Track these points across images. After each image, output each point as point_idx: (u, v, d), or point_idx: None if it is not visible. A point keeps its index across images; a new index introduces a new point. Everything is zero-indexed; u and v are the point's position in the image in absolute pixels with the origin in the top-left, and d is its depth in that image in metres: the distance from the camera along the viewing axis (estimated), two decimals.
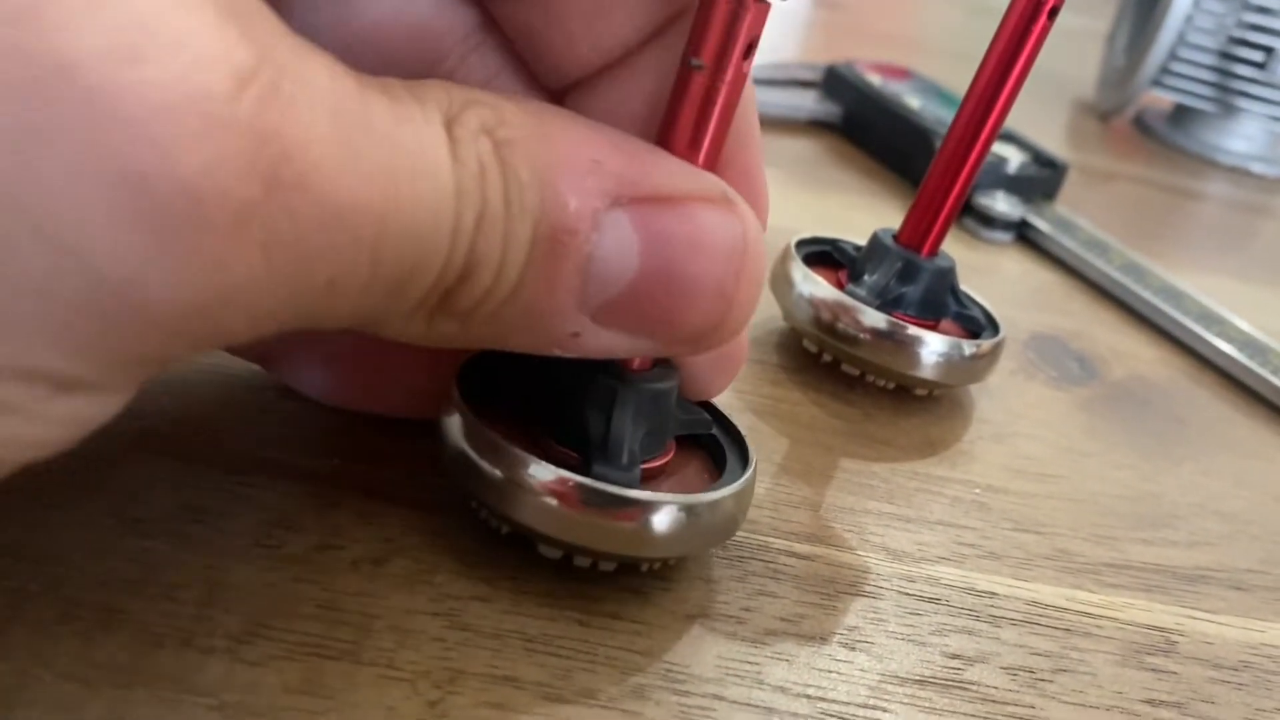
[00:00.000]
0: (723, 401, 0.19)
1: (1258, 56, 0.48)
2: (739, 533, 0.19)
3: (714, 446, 0.19)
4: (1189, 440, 0.26)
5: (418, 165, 0.12)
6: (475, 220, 0.12)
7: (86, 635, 0.14)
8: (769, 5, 0.14)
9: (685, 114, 0.15)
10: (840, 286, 0.24)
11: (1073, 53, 0.57)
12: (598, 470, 0.16)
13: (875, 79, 0.40)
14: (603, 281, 0.13)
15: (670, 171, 0.14)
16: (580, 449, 0.16)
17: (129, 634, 0.14)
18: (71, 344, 0.10)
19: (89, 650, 0.14)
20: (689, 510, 0.16)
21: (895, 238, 0.24)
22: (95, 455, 0.17)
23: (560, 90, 0.17)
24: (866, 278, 0.24)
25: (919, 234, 0.24)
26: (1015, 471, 0.23)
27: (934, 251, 0.24)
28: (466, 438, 0.16)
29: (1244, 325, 0.31)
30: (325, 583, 0.16)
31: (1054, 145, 0.48)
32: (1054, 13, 0.22)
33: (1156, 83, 0.50)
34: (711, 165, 0.15)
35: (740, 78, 0.15)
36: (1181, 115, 0.52)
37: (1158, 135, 0.52)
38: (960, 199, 0.24)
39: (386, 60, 0.16)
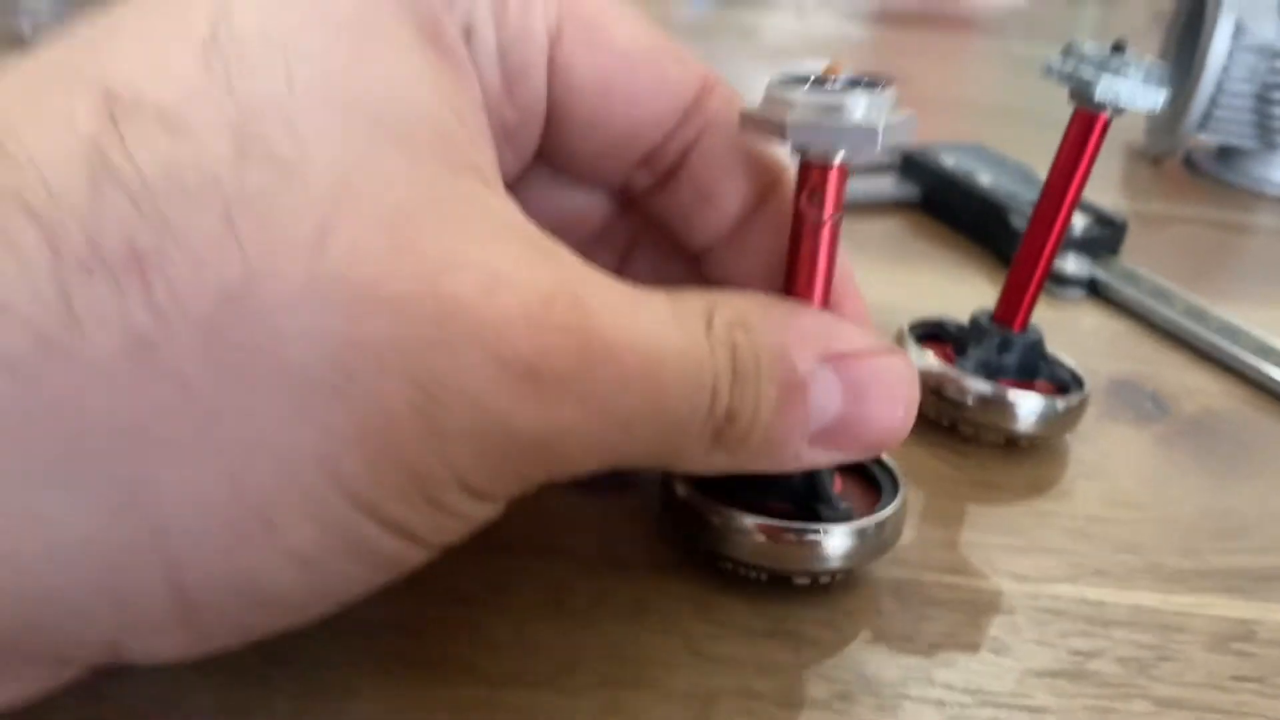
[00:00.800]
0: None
1: None
2: (899, 571, 0.24)
3: (868, 473, 0.25)
4: (1254, 461, 0.31)
5: (684, 344, 0.18)
6: (730, 381, 0.18)
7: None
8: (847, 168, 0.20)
9: (804, 261, 0.21)
10: (950, 360, 0.30)
11: None
12: (824, 513, 0.23)
13: (949, 160, 0.45)
14: (819, 417, 0.19)
15: (853, 334, 0.20)
16: (792, 501, 0.23)
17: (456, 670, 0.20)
18: (489, 466, 0.16)
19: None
20: (868, 529, 0.22)
21: (992, 318, 0.30)
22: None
23: (700, 252, 0.23)
24: (971, 352, 0.30)
25: (1011, 313, 0.29)
26: (1110, 502, 0.28)
27: (1025, 326, 0.30)
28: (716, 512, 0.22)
29: None
30: (602, 630, 0.22)
31: (1112, 195, 0.53)
32: (1105, 130, 0.28)
33: (1201, 127, 0.55)
34: (828, 294, 0.21)
35: (836, 225, 0.21)
36: (1227, 153, 0.57)
37: (1207, 173, 0.57)
38: (1041, 282, 0.29)
39: (579, 239, 0.23)
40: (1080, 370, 0.31)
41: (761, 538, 0.22)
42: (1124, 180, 0.56)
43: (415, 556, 0.16)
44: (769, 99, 0.19)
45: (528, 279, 0.15)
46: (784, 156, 0.21)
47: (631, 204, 0.23)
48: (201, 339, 0.13)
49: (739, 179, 0.22)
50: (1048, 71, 0.27)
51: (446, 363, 0.14)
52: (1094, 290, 0.40)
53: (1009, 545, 0.26)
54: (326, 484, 0.14)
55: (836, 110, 0.19)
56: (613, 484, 0.25)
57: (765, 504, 0.22)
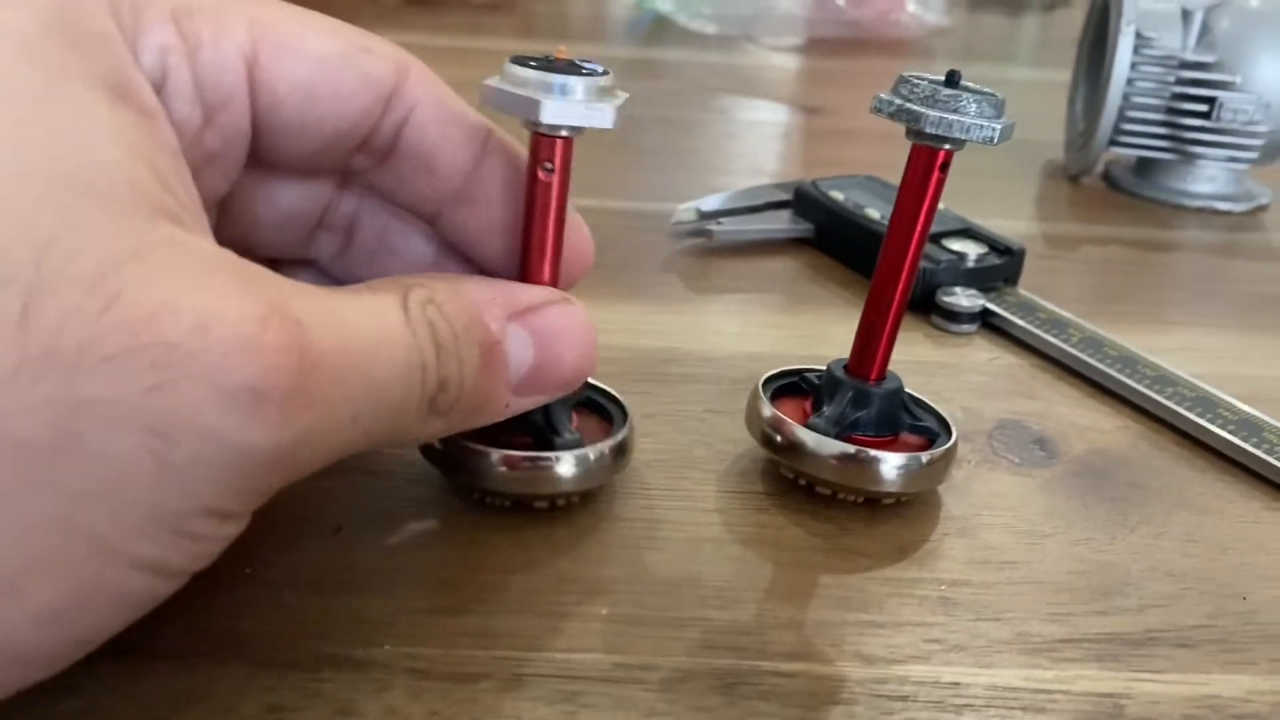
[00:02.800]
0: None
1: (1203, 107, 0.51)
2: (730, 659, 0.22)
3: (603, 410, 0.28)
4: (1145, 504, 0.29)
5: (387, 332, 0.20)
6: (435, 354, 0.20)
7: None
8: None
9: (538, 215, 0.24)
10: (806, 415, 0.28)
11: (1045, 118, 0.60)
12: (558, 443, 0.25)
13: (838, 194, 0.43)
14: (518, 369, 0.23)
15: (533, 292, 0.23)
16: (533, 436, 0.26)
17: None
18: (230, 489, 0.17)
19: None
20: (597, 454, 0.25)
21: (845, 369, 0.28)
22: (195, 666, 0.21)
23: (432, 216, 0.25)
24: (825, 409, 0.27)
25: (865, 364, 0.27)
26: (979, 563, 0.26)
27: (882, 375, 0.28)
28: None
29: (1197, 382, 0.34)
30: None
31: (1024, 217, 0.51)
32: (945, 166, 0.26)
33: (1114, 142, 0.53)
34: (561, 241, 0.24)
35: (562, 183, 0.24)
36: (1145, 166, 0.55)
37: (1126, 188, 0.55)
38: (895, 329, 0.27)
39: (299, 229, 0.25)
40: (949, 416, 0.29)
41: (503, 468, 0.25)
42: (1039, 200, 0.54)
43: (167, 589, 0.17)
44: (505, 74, 0.23)
45: (237, 309, 0.16)
46: (485, 119, 0.24)
47: (350, 181, 0.25)
48: None
49: (453, 145, 0.24)
50: (877, 108, 0.25)
51: (171, 404, 0.15)
52: (987, 324, 0.38)
53: (861, 621, 0.24)
54: (65, 540, 0.15)
55: (544, 85, 0.22)
56: None
57: (511, 440, 0.25)
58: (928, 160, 0.25)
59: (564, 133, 0.23)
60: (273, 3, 0.22)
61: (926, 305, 0.38)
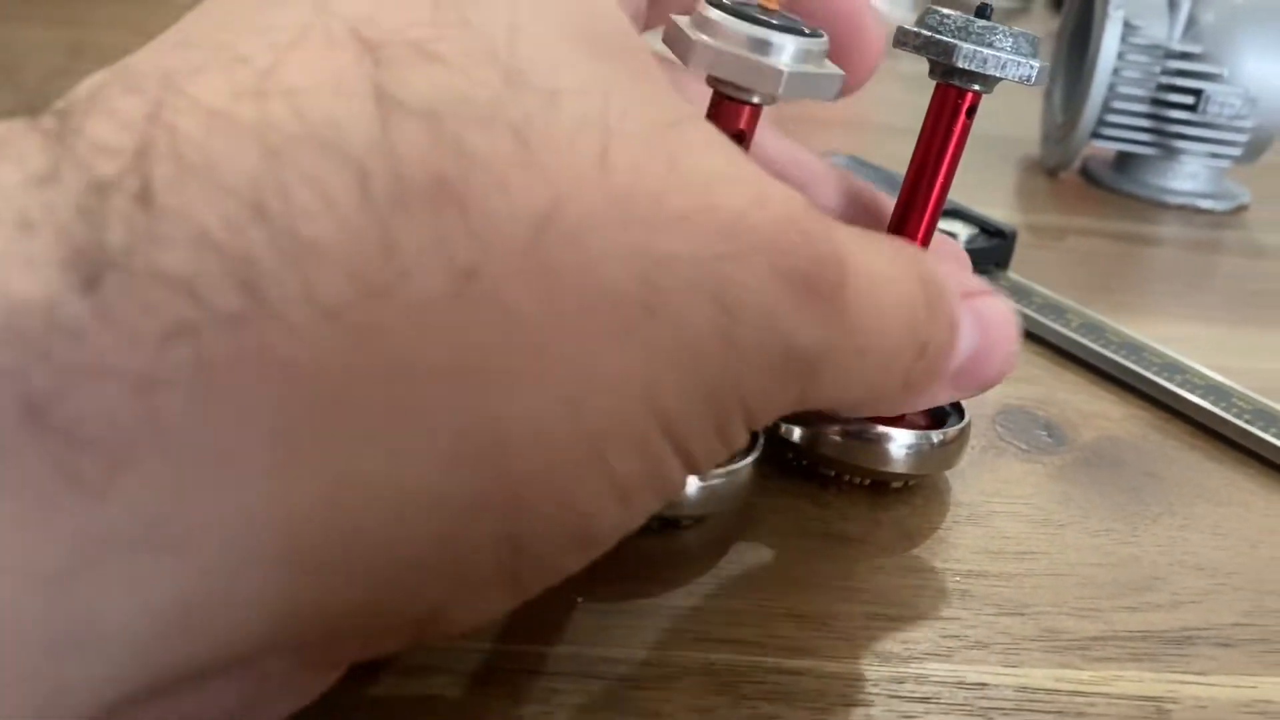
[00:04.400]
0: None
1: (1188, 100, 0.49)
2: (729, 655, 0.19)
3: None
4: (1164, 495, 0.26)
5: (893, 269, 0.18)
6: (925, 314, 0.18)
7: None
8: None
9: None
10: None
11: (1017, 113, 0.58)
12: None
13: None
14: (959, 355, 0.20)
15: (970, 277, 0.22)
16: None
17: None
18: (767, 388, 0.15)
19: None
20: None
21: None
22: None
23: None
24: None
25: None
26: (994, 553, 0.23)
27: None
28: None
29: (1207, 371, 0.31)
30: None
31: (1005, 208, 0.49)
32: (972, 111, 0.23)
33: (1096, 135, 0.51)
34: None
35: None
36: (1125, 162, 0.54)
37: (1105, 183, 0.53)
38: None
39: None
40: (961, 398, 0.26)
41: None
42: (1017, 193, 0.53)
43: (676, 495, 0.16)
44: (698, 19, 0.19)
45: (782, 193, 0.15)
46: None
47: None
48: (522, 267, 0.13)
49: None
50: (902, 41, 0.23)
51: (738, 275, 0.14)
52: None
53: (873, 614, 0.21)
54: (647, 411, 0.14)
55: (764, 45, 0.18)
56: None
57: None
58: (954, 103, 0.23)
59: (756, 99, 0.20)
60: None
61: None
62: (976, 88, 0.23)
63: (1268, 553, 0.25)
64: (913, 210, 0.24)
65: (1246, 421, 0.29)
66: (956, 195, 0.40)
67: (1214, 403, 0.30)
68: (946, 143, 0.23)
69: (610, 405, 0.14)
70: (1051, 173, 0.55)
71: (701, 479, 0.21)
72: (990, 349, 0.20)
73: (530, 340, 0.13)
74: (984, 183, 0.53)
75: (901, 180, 0.24)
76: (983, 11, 0.22)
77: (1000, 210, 0.48)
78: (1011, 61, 0.21)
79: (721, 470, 0.21)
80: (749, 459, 0.22)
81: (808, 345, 0.15)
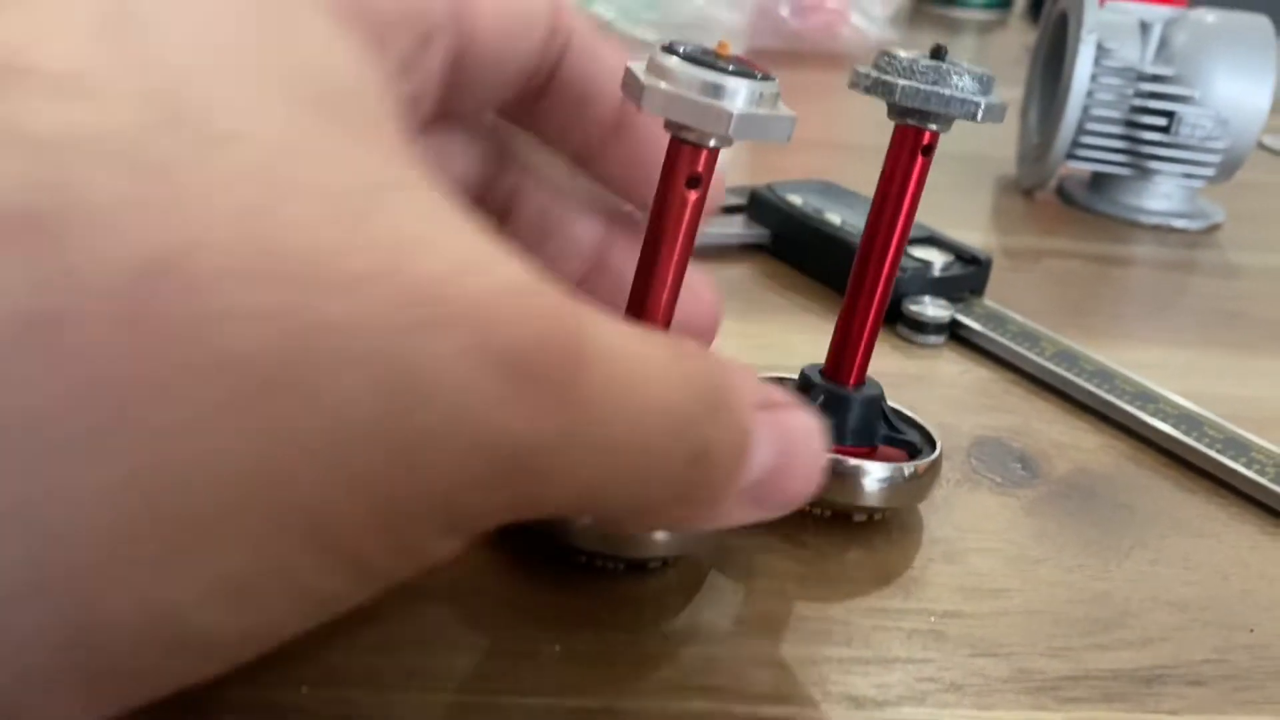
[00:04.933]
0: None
1: (1161, 121, 0.50)
2: (704, 704, 0.19)
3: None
4: (1136, 527, 0.27)
5: (659, 359, 0.16)
6: (705, 411, 0.16)
7: None
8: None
9: (669, 237, 0.21)
10: None
11: (993, 132, 0.59)
12: None
13: (796, 198, 0.41)
14: (755, 469, 0.17)
15: (772, 389, 0.18)
16: None
17: None
18: (469, 481, 0.13)
19: None
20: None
21: (822, 373, 0.25)
22: None
23: (586, 157, 0.23)
24: None
25: (842, 369, 0.25)
26: (969, 591, 0.24)
27: (860, 381, 0.25)
28: None
29: (1178, 399, 0.32)
30: None
31: (981, 230, 0.50)
32: (929, 150, 0.23)
33: (1071, 156, 0.52)
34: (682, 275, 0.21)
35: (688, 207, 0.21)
36: (1100, 181, 0.54)
37: (1080, 203, 0.54)
38: (875, 329, 0.25)
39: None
40: (932, 428, 0.26)
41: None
42: (993, 214, 0.53)
43: (351, 599, 0.14)
44: (653, 65, 0.19)
45: (506, 263, 0.14)
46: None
47: (502, 158, 0.23)
48: (115, 315, 0.11)
49: (609, 73, 0.21)
50: (854, 83, 0.23)
51: (422, 352, 0.12)
52: (956, 336, 0.36)
53: (846, 658, 0.21)
54: (264, 496, 0.12)
55: (715, 89, 0.18)
56: None
57: None
58: (911, 142, 0.23)
59: (711, 143, 0.20)
60: None
61: (892, 315, 0.36)
62: (932, 126, 0.23)
63: (1238, 585, 0.25)
64: (873, 249, 0.24)
65: (1218, 451, 0.29)
66: (932, 219, 0.40)
67: (1186, 432, 0.30)
68: (906, 181, 0.23)
69: (201, 484, 0.12)
70: (1027, 192, 0.55)
71: None
72: (791, 465, 0.18)
73: (108, 399, 0.11)
74: (960, 203, 0.53)
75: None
76: (937, 52, 0.22)
77: (977, 232, 0.49)
78: (956, 99, 0.22)
79: None
80: None
81: (522, 440, 0.13)
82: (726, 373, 0.17)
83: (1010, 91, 0.62)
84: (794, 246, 0.40)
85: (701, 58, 0.19)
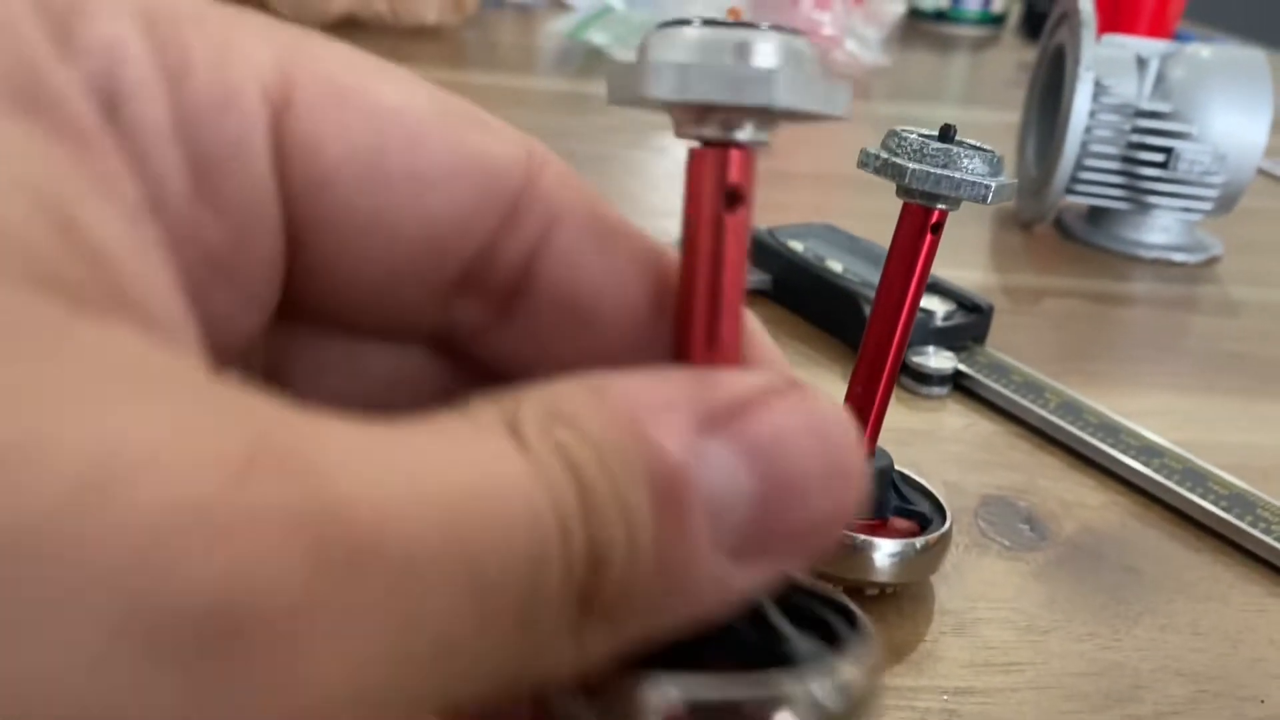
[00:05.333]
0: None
1: (1159, 157, 0.50)
2: None
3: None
4: (1144, 592, 0.27)
5: (487, 479, 0.11)
6: (578, 506, 0.11)
7: None
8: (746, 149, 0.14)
9: (710, 276, 0.14)
10: None
11: None
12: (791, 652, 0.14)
13: (797, 244, 0.41)
14: (727, 516, 0.12)
15: (733, 379, 0.13)
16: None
17: None
18: None
19: None
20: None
21: None
22: None
23: None
24: None
25: None
26: (980, 666, 0.24)
27: (870, 453, 0.25)
28: None
29: (1184, 453, 0.32)
30: None
31: (981, 269, 0.50)
32: (938, 228, 0.23)
33: (1069, 190, 0.52)
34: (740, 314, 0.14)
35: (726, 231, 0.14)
36: (1098, 216, 0.54)
37: (1079, 237, 0.54)
38: (884, 405, 0.25)
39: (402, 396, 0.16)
40: (940, 494, 0.26)
41: None
42: (992, 251, 0.53)
43: None
44: (650, 44, 0.13)
45: (181, 445, 0.09)
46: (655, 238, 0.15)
47: (468, 348, 0.16)
48: None
49: (620, 283, 0.15)
50: (863, 163, 0.23)
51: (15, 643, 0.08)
52: (960, 386, 0.36)
53: None
54: None
55: (743, 48, 0.13)
56: None
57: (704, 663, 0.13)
58: (920, 221, 0.23)
59: (746, 135, 0.14)
60: (313, 33, 0.14)
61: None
62: (940, 206, 0.23)
63: (1247, 653, 0.25)
64: (884, 324, 0.24)
65: (1224, 509, 0.29)
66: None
67: (1191, 489, 0.30)
68: (914, 260, 0.23)
69: None
70: (1026, 226, 0.55)
71: None
72: (789, 489, 0.12)
73: None
74: (959, 237, 0.53)
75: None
76: (945, 133, 0.22)
77: (977, 271, 0.49)
78: (966, 183, 0.22)
79: None
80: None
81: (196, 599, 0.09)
82: (612, 420, 0.12)
83: (1006, 116, 0.63)
84: (796, 294, 0.40)
85: (711, 21, 0.14)
